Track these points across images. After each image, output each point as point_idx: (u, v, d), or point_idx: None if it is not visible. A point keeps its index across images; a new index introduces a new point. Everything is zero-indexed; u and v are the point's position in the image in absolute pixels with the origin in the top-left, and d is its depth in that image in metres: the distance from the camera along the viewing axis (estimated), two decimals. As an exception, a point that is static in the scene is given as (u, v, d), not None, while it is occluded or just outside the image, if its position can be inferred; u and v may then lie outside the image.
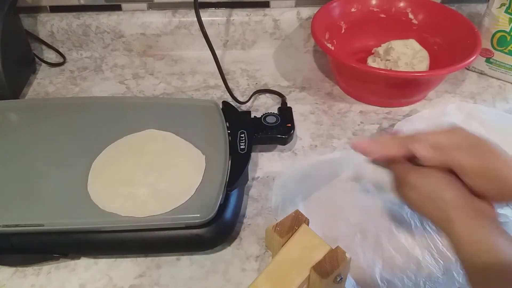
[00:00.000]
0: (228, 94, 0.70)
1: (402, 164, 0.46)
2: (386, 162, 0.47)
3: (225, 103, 0.66)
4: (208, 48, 0.67)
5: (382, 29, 0.79)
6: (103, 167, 0.55)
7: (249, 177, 0.60)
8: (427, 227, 0.53)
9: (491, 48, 0.75)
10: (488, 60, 0.76)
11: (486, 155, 0.42)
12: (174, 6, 0.80)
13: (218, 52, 0.70)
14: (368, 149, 0.47)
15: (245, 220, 0.56)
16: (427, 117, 0.68)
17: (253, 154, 0.59)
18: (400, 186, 0.45)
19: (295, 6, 0.81)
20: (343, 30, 0.78)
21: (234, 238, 0.54)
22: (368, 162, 0.49)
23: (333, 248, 0.44)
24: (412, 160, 0.45)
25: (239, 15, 0.80)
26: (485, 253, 0.37)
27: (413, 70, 0.71)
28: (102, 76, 0.79)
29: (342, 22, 0.78)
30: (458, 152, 0.42)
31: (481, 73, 0.79)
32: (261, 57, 0.83)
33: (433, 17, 0.77)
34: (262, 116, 0.65)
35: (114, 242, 0.50)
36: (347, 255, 0.43)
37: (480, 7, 0.81)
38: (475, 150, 0.42)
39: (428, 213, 0.43)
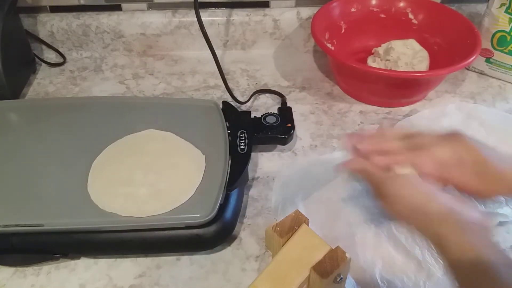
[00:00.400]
0: (228, 94, 0.70)
1: (378, 174, 0.45)
2: (360, 172, 0.47)
3: (225, 103, 0.66)
4: (208, 48, 0.67)
5: (382, 29, 0.79)
6: (103, 167, 0.55)
7: (249, 177, 0.60)
8: (427, 227, 0.53)
9: (491, 48, 0.75)
10: (488, 60, 0.76)
11: (489, 179, 0.42)
12: (174, 6, 0.80)
13: (218, 52, 0.70)
14: (364, 146, 0.46)
15: (245, 220, 0.56)
16: (427, 117, 0.68)
17: (253, 154, 0.59)
18: (381, 198, 0.44)
19: (295, 6, 0.81)
20: (343, 30, 0.78)
21: (234, 238, 0.54)
22: (341, 171, 0.48)
23: (333, 248, 0.44)
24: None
25: (239, 15, 0.80)
26: (473, 266, 0.36)
27: (413, 70, 0.71)
28: (102, 76, 0.79)
29: (342, 22, 0.78)
30: (460, 171, 0.42)
31: (481, 73, 0.79)
32: (261, 57, 0.83)
33: (433, 17, 0.77)
34: (262, 116, 0.65)
35: (114, 242, 0.50)
36: (347, 255, 0.43)
37: (480, 7, 0.81)
38: (478, 170, 0.42)
39: (416, 226, 0.42)
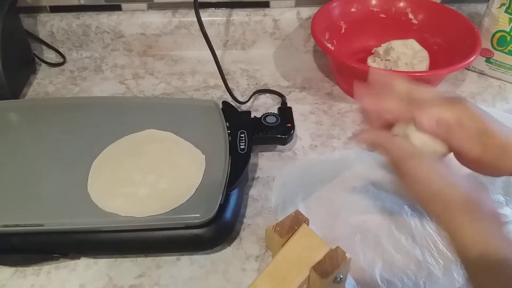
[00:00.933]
0: (228, 94, 0.70)
1: (396, 150, 0.42)
2: (375, 146, 0.44)
3: (225, 103, 0.66)
4: (208, 48, 0.67)
5: (382, 29, 0.78)
6: (103, 167, 0.55)
7: (249, 177, 0.60)
8: (427, 227, 0.53)
9: (491, 48, 0.75)
10: (488, 60, 0.76)
11: (491, 150, 0.40)
12: (174, 6, 0.80)
13: (218, 52, 0.70)
14: (366, 105, 0.44)
15: (245, 220, 0.56)
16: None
17: (253, 154, 0.59)
18: (399, 176, 0.42)
19: (295, 6, 0.81)
20: (343, 30, 0.78)
21: (234, 238, 0.54)
22: (359, 146, 0.46)
23: (333, 248, 0.44)
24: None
25: (239, 15, 0.80)
26: (488, 258, 0.35)
27: (413, 70, 0.71)
28: (102, 76, 0.79)
29: (342, 22, 0.78)
30: (462, 136, 0.40)
31: (481, 73, 0.79)
32: (261, 57, 0.83)
33: (433, 17, 0.77)
34: (262, 116, 0.65)
35: (114, 242, 0.50)
36: (347, 255, 0.43)
37: (480, 7, 0.81)
38: (480, 139, 0.40)
39: (432, 211, 0.40)
